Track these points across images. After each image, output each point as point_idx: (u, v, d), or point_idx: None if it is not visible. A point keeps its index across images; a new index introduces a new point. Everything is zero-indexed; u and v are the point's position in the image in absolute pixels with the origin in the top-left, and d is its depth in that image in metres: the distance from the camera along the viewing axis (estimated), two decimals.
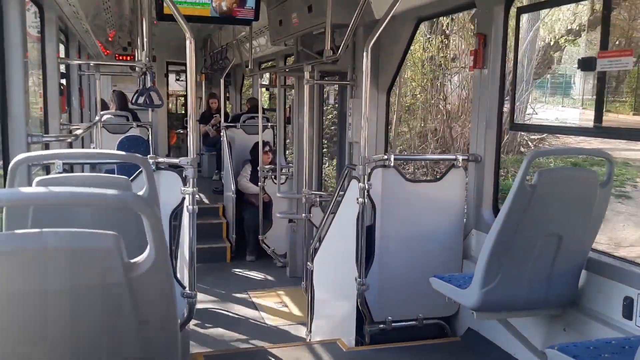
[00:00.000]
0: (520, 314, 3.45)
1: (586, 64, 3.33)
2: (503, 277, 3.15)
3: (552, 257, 3.19)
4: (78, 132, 4.88)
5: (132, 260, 1.67)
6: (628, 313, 3.08)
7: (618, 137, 3.46)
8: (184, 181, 3.74)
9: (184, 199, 3.74)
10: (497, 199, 4.27)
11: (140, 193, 2.78)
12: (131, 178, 3.68)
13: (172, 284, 1.76)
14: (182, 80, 13.90)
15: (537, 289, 3.26)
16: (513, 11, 4.02)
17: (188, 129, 3.75)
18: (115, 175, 2.80)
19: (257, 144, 8.06)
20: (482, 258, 3.18)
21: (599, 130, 3.28)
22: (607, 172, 3.19)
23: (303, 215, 6.56)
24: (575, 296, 3.38)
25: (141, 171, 3.67)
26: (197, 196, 3.74)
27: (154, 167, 3.75)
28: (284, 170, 7.92)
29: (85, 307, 1.66)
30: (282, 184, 7.70)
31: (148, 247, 1.68)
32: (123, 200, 1.64)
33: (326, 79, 7.30)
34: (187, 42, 3.56)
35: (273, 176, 7.96)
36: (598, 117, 3.28)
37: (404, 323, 4.43)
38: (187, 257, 3.78)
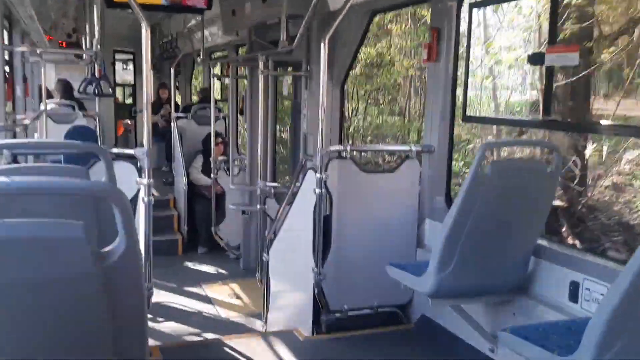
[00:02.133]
0: (473, 300, 3.57)
1: (535, 59, 3.46)
2: (457, 264, 3.25)
3: (502, 244, 3.32)
4: (26, 121, 4.71)
5: (103, 250, 1.65)
6: (574, 297, 3.24)
7: (564, 129, 3.63)
8: (139, 172, 3.68)
9: (139, 190, 3.68)
10: (450, 189, 4.39)
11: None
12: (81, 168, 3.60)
13: (142, 274, 1.75)
14: (128, 69, 13.57)
15: (489, 275, 3.39)
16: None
17: (144, 119, 3.70)
18: (73, 166, 2.73)
19: (209, 135, 7.98)
20: (438, 245, 3.27)
21: (547, 123, 3.42)
22: (555, 162, 3.33)
23: (258, 206, 6.55)
24: (524, 282, 3.53)
25: (95, 162, 3.59)
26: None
27: None
28: (236, 162, 7.87)
29: (56, 297, 1.63)
30: (235, 175, 7.66)
31: (118, 236, 1.66)
32: (101, 190, 1.62)
33: (280, 69, 7.28)
34: (143, 29, 3.51)
35: (226, 168, 7.90)
36: (546, 110, 3.42)
37: (359, 311, 4.50)
38: (143, 250, 3.72)
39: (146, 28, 3.50)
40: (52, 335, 1.68)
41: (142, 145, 11.40)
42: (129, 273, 1.68)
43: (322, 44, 4.09)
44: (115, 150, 3.74)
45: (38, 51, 6.23)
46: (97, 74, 5.35)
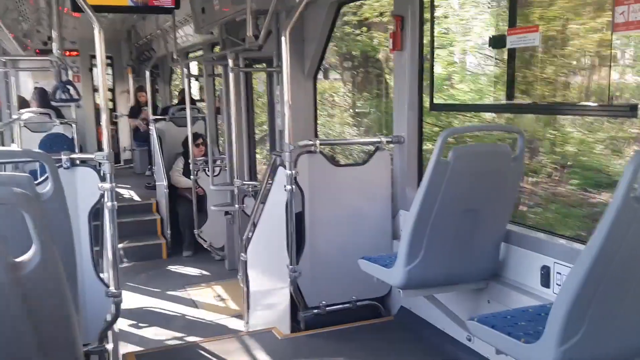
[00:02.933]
0: (445, 289, 3.52)
1: (497, 42, 3.41)
2: (425, 254, 3.20)
3: (471, 232, 3.26)
4: None
5: (17, 260, 1.59)
6: (545, 281, 3.20)
7: (528, 112, 3.58)
8: (102, 177, 3.61)
9: (102, 195, 3.60)
10: (421, 179, 4.33)
11: (44, 191, 2.65)
12: (43, 178, 3.53)
13: (64, 284, 1.68)
14: (108, 74, 13.45)
15: (459, 264, 3.34)
16: None
17: (102, 123, 3.62)
18: (16, 174, 2.65)
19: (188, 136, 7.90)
20: (404, 236, 3.22)
21: (510, 106, 3.37)
22: (519, 146, 3.28)
23: (236, 206, 6.49)
24: (497, 268, 3.48)
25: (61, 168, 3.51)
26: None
27: (68, 164, 3.60)
28: (217, 162, 7.80)
29: None
30: (215, 175, 7.58)
31: (33, 245, 1.59)
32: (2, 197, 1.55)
33: (255, 66, 7.20)
34: (96, 31, 3.43)
35: (206, 169, 7.82)
36: (510, 94, 3.37)
37: (338, 306, 4.45)
38: (110, 256, 3.65)
39: (99, 30, 3.41)
40: None
41: (124, 149, 11.36)
42: (47, 283, 1.62)
43: (282, 38, 4.02)
44: (74, 155, 3.65)
45: (3, 59, 6.14)
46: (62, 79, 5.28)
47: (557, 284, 3.15)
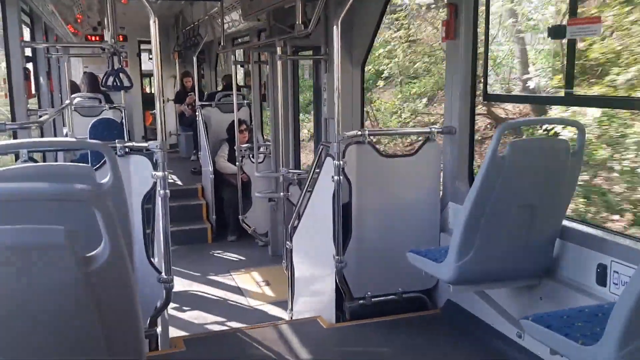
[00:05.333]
0: (497, 285, 3.46)
1: (556, 32, 3.29)
2: (478, 249, 3.14)
3: (526, 228, 3.18)
4: (43, 118, 4.74)
5: (87, 255, 1.62)
6: (602, 280, 3.10)
7: (589, 104, 3.45)
8: (155, 165, 3.66)
9: (155, 183, 3.66)
10: (472, 171, 4.25)
11: (104, 181, 2.71)
12: (99, 165, 3.60)
13: (131, 276, 1.71)
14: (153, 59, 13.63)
15: (512, 260, 3.27)
16: None
17: (156, 111, 3.67)
18: (77, 164, 2.71)
19: (234, 122, 7.96)
20: (457, 231, 3.17)
21: (570, 98, 3.26)
22: (578, 141, 3.18)
23: (281, 194, 6.51)
24: (550, 265, 3.39)
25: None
26: (170, 179, 3.68)
27: (123, 152, 3.67)
28: (262, 149, 7.84)
29: (43, 305, 1.60)
30: (260, 162, 7.63)
31: (103, 240, 1.62)
32: (76, 194, 1.57)
33: (301, 54, 7.18)
34: (151, 20, 3.47)
35: (251, 155, 7.88)
36: (569, 85, 3.26)
37: (383, 298, 4.43)
38: (163, 242, 3.72)
39: (154, 19, 3.45)
40: (42, 343, 1.65)
41: (170, 134, 11.54)
42: (116, 277, 1.65)
43: (335, 26, 3.98)
44: (129, 144, 3.72)
45: (58, 46, 6.27)
46: (116, 67, 5.38)
47: (614, 283, 3.05)
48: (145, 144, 3.66)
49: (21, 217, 1.72)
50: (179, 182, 9.63)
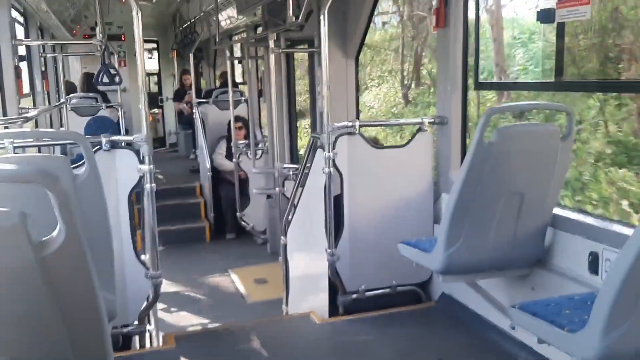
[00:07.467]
0: (487, 275, 3.40)
1: (545, 16, 3.23)
2: (466, 238, 3.09)
3: (515, 216, 3.12)
4: (30, 114, 4.72)
5: (42, 240, 1.58)
6: (594, 268, 3.04)
7: (578, 90, 3.38)
8: (142, 159, 3.62)
9: (141, 177, 3.62)
10: None
11: (80, 172, 2.67)
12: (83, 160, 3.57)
13: (87, 261, 1.67)
14: (153, 58, 13.62)
15: (502, 249, 3.21)
16: None
17: (139, 106, 3.63)
18: (52, 155, 2.69)
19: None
20: (444, 220, 3.11)
21: (559, 84, 3.19)
22: (568, 125, 3.11)
23: (277, 189, 6.46)
24: (542, 254, 3.33)
25: (99, 150, 3.55)
26: (158, 175, 3.65)
27: (108, 146, 3.63)
28: (260, 145, 7.78)
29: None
30: (257, 159, 7.58)
31: (58, 224, 1.58)
32: (26, 175, 1.53)
33: (296, 47, 7.12)
34: (134, 12, 3.43)
35: (248, 152, 7.83)
36: (559, 70, 3.19)
37: (377, 291, 4.38)
38: (149, 238, 3.68)
39: (136, 11, 3.41)
40: (4, 329, 1.62)
41: (170, 133, 11.53)
42: (71, 262, 1.61)
43: (322, 16, 3.92)
44: (114, 137, 3.67)
45: (49, 44, 6.25)
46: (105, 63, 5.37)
47: (606, 271, 2.99)
48: (130, 137, 3.62)
49: None
50: (180, 181, 9.59)
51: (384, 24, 16.61)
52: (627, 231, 2.90)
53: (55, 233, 1.59)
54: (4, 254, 1.53)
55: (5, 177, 1.58)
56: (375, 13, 5.60)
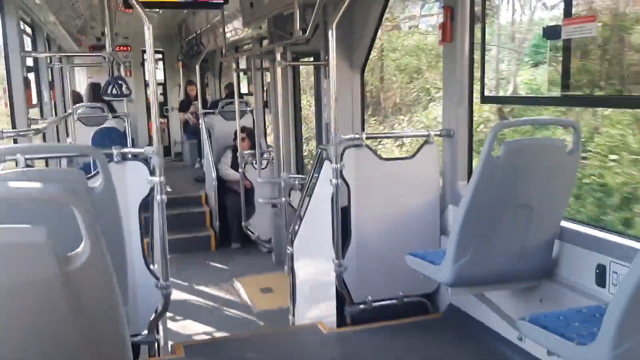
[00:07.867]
0: (495, 288, 3.43)
1: (552, 32, 3.27)
2: (475, 251, 3.12)
3: (523, 229, 3.16)
4: (41, 125, 4.77)
5: (68, 255, 1.62)
6: (601, 281, 3.07)
7: (585, 105, 3.43)
8: (152, 170, 3.67)
9: (152, 188, 3.67)
10: (472, 173, 4.23)
11: (96, 185, 2.71)
12: (95, 171, 3.61)
13: (112, 275, 1.70)
14: (159, 69, 13.72)
15: (510, 262, 3.24)
16: None
17: (151, 117, 3.68)
18: (69, 169, 2.73)
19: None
20: (453, 233, 3.15)
21: (566, 99, 3.24)
22: (574, 140, 3.15)
23: (283, 199, 6.50)
24: (549, 267, 3.37)
25: (110, 162, 3.60)
26: (166, 186, 3.68)
27: (119, 158, 3.68)
28: (265, 155, 7.84)
29: (22, 304, 1.60)
30: (262, 169, 7.63)
31: (83, 240, 1.62)
32: (53, 195, 1.57)
33: (302, 60, 7.19)
34: (145, 27, 3.48)
35: (253, 162, 7.88)
36: (565, 85, 3.24)
37: (385, 302, 4.41)
38: (159, 249, 3.72)
39: (148, 26, 3.46)
40: (25, 343, 1.65)
41: (175, 142, 11.60)
42: (96, 277, 1.64)
43: (330, 30, 3.98)
44: (125, 149, 3.72)
45: (57, 55, 6.31)
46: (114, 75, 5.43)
47: (613, 284, 3.02)
48: (141, 150, 3.66)
49: (6, 221, 1.73)
50: (186, 190, 9.64)
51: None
52: (635, 244, 2.94)
53: (80, 249, 1.63)
54: (29, 269, 1.57)
55: (33, 196, 1.62)
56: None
